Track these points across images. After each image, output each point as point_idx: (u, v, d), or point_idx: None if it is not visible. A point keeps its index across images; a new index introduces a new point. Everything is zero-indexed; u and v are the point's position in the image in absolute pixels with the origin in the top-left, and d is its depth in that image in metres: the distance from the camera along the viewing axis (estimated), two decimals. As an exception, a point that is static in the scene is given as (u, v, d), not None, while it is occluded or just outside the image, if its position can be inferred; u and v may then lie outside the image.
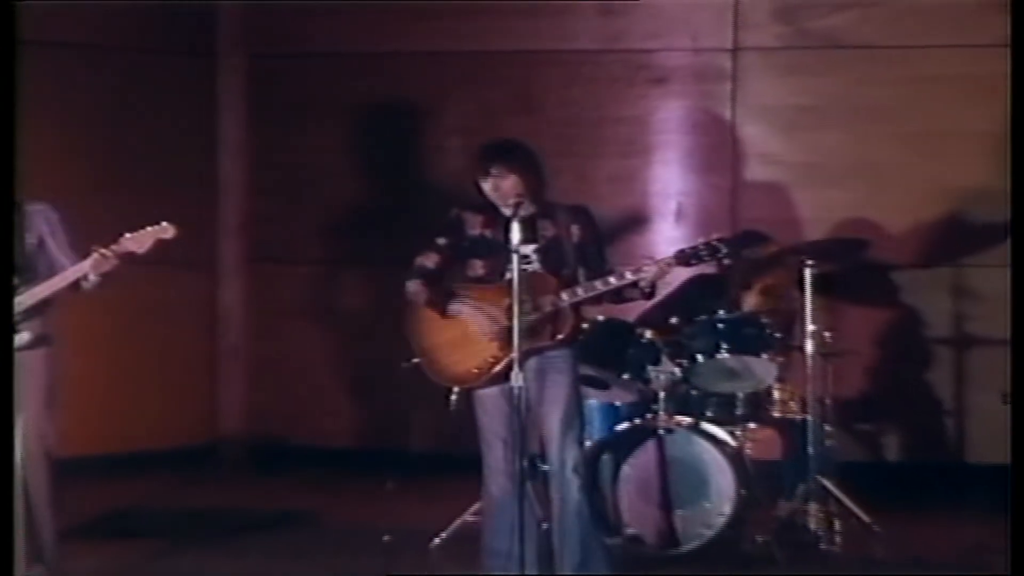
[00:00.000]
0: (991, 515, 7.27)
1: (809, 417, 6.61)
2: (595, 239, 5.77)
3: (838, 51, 8.20)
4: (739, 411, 6.75)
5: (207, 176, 8.67)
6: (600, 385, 6.58)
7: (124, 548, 6.57)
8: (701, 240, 5.68)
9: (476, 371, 5.65)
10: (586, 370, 6.14)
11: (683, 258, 5.62)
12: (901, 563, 6.27)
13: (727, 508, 6.24)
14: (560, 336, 5.64)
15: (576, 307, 5.67)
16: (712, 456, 6.30)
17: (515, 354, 5.39)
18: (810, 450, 6.57)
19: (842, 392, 7.18)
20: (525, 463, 5.53)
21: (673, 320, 6.61)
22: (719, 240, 5.64)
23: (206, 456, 8.57)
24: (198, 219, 8.32)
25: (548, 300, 5.60)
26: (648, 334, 6.52)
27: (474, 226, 5.71)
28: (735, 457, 6.37)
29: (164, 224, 5.73)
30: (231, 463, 8.65)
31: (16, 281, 5.73)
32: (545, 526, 5.75)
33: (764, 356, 6.58)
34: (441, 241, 5.73)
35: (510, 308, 5.44)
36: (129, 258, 5.71)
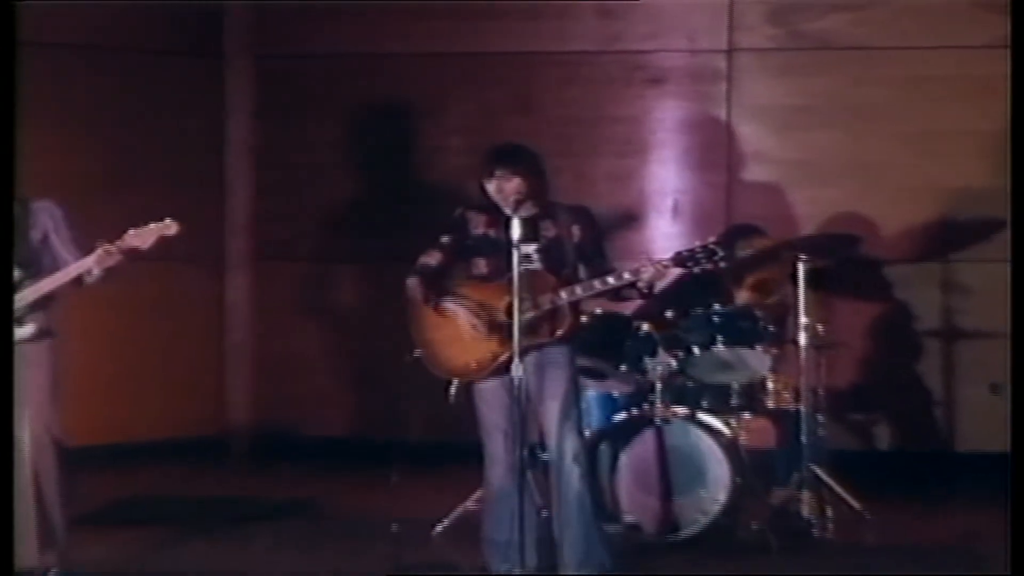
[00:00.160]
0: (980, 502, 7.31)
1: (802, 407, 6.62)
2: (595, 239, 5.78)
3: (830, 52, 8.22)
4: (734, 401, 6.75)
5: (214, 175, 8.67)
6: (598, 376, 6.59)
7: (134, 536, 6.56)
8: (698, 243, 5.69)
9: (476, 365, 5.66)
10: (584, 362, 6.14)
11: (680, 260, 5.62)
12: (892, 549, 6.27)
13: (723, 496, 6.25)
14: (558, 334, 5.65)
15: (575, 305, 5.68)
16: (708, 445, 6.31)
17: (515, 350, 5.40)
18: (803, 439, 6.58)
19: (834, 383, 7.20)
20: (525, 453, 5.54)
21: (669, 313, 6.61)
22: (715, 243, 5.65)
23: (214, 447, 8.57)
24: (205, 217, 8.36)
25: (547, 299, 5.61)
26: (645, 327, 6.53)
27: (478, 225, 5.72)
28: (730, 446, 6.37)
29: (167, 221, 5.73)
30: (238, 453, 8.66)
31: (21, 275, 5.75)
32: (545, 514, 5.76)
33: (758, 348, 6.58)
34: (445, 240, 5.74)
35: (511, 305, 5.46)
36: (133, 254, 5.71)
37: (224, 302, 8.75)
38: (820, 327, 6.75)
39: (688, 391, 6.66)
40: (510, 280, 5.44)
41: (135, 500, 7.35)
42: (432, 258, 5.74)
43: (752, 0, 8.29)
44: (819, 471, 6.58)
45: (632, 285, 5.66)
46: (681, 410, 6.43)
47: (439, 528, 6.42)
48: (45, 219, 5.82)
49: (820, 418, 6.77)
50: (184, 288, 8.45)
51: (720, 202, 8.31)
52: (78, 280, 5.76)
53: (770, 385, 6.81)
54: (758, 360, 6.63)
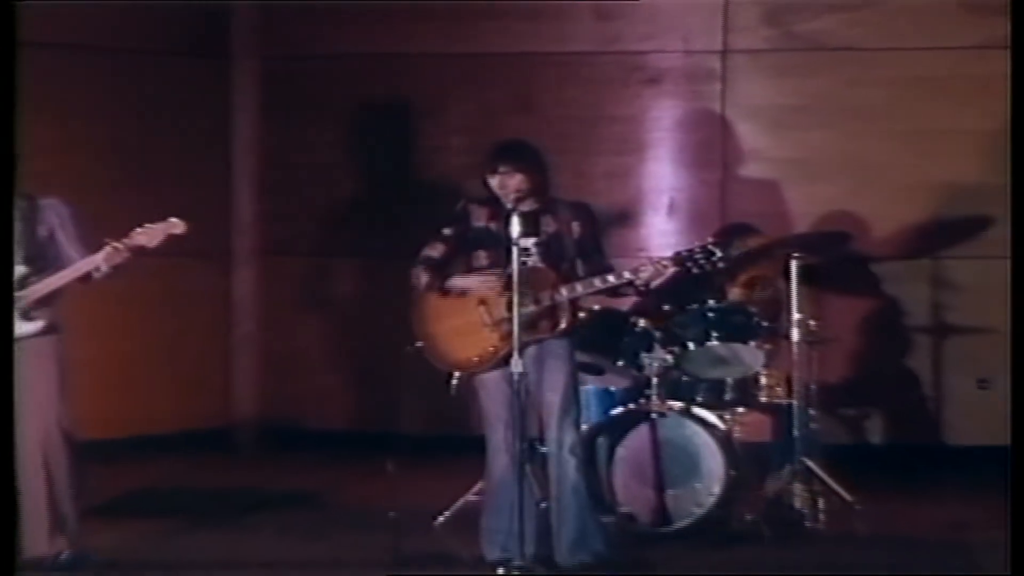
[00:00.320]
0: (968, 494, 7.33)
1: (795, 401, 6.63)
2: (594, 235, 5.80)
3: (823, 53, 8.21)
4: (728, 396, 6.77)
5: (221, 173, 8.67)
6: (596, 371, 6.60)
7: (143, 526, 6.58)
8: (697, 244, 5.70)
9: (477, 359, 5.68)
10: (583, 357, 6.14)
11: (679, 261, 5.64)
12: (882, 539, 6.28)
13: (717, 488, 6.26)
14: (557, 329, 5.66)
15: (573, 301, 5.69)
16: (702, 439, 6.32)
17: (515, 344, 5.42)
18: (796, 433, 6.59)
19: (826, 378, 7.20)
20: (525, 445, 5.57)
21: (665, 309, 6.62)
22: (714, 244, 5.66)
23: (220, 439, 8.57)
24: (212, 213, 8.37)
25: (547, 294, 5.63)
26: (642, 323, 6.53)
27: (480, 218, 5.73)
28: (724, 439, 6.38)
29: (174, 220, 5.76)
30: (244, 446, 8.66)
31: (27, 272, 5.77)
32: (544, 505, 5.76)
33: (752, 343, 6.59)
34: (447, 232, 5.76)
35: (511, 299, 5.48)
36: (140, 252, 5.74)
37: (231, 297, 8.75)
38: (812, 323, 6.75)
39: (683, 385, 6.66)
40: (511, 274, 5.46)
41: (145, 491, 7.37)
42: (435, 249, 5.75)
43: (747, 2, 8.29)
44: (811, 464, 6.58)
45: (630, 283, 5.68)
46: (676, 404, 6.44)
47: (441, 519, 6.43)
48: (52, 216, 5.84)
49: (812, 412, 6.76)
50: (191, 284, 8.45)
51: (715, 199, 8.31)
52: (86, 277, 5.79)
53: (763, 380, 6.83)
54: (752, 355, 6.64)
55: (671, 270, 5.69)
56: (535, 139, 5.94)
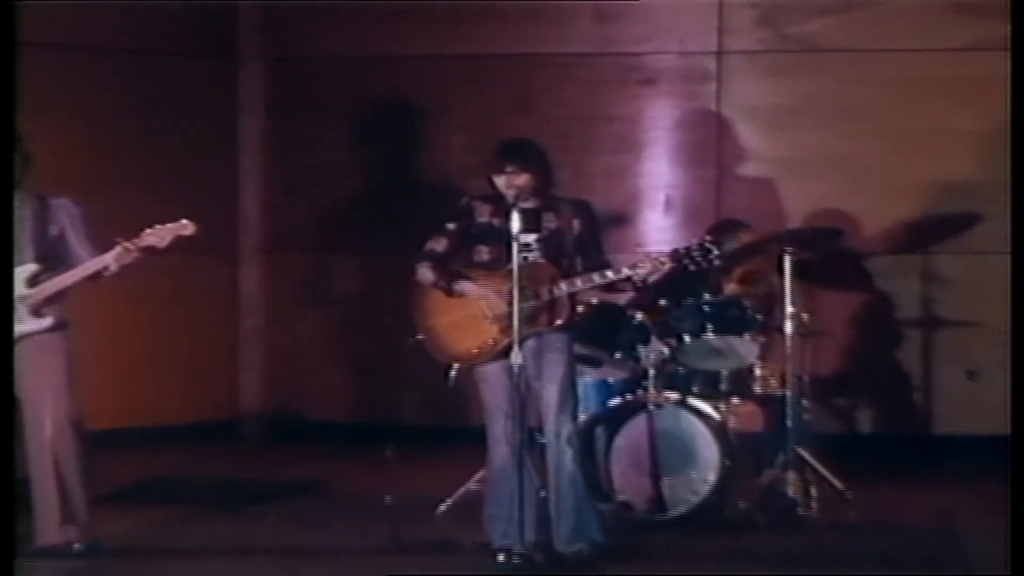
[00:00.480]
0: (955, 482, 7.35)
1: (788, 392, 6.63)
2: (594, 232, 5.80)
3: (816, 54, 8.22)
4: (723, 387, 6.77)
5: (228, 171, 8.68)
6: (594, 363, 6.58)
7: (152, 514, 6.59)
8: (695, 241, 5.70)
9: (477, 351, 5.68)
10: (581, 349, 6.13)
11: (677, 258, 5.63)
12: (872, 526, 6.29)
13: (712, 476, 6.27)
14: (556, 323, 5.67)
15: (572, 296, 5.69)
16: (698, 429, 6.33)
17: (514, 337, 5.44)
18: (789, 423, 6.59)
19: (819, 369, 7.22)
20: (524, 436, 5.57)
21: (662, 303, 6.63)
22: (711, 242, 5.67)
23: (227, 430, 8.58)
24: (219, 212, 8.39)
25: (546, 289, 5.63)
26: (639, 316, 6.52)
27: (482, 214, 5.73)
28: (719, 429, 6.39)
29: (184, 221, 5.77)
30: (250, 437, 8.67)
31: (38, 269, 5.79)
32: (543, 494, 5.75)
33: (746, 336, 6.60)
34: (451, 227, 5.75)
35: (511, 293, 5.49)
36: (150, 252, 5.77)
37: (237, 293, 8.75)
38: (805, 316, 6.75)
39: (679, 377, 6.67)
40: (511, 269, 5.47)
41: (154, 481, 7.36)
42: (439, 244, 5.75)
43: (741, 4, 8.30)
44: (804, 453, 6.59)
45: (628, 279, 5.69)
46: (673, 395, 6.44)
47: (442, 507, 6.44)
48: (62, 216, 5.85)
49: (805, 403, 6.77)
50: (199, 280, 8.45)
51: (710, 197, 8.32)
52: (95, 275, 5.80)
53: (758, 371, 6.83)
54: (746, 348, 6.65)
55: (668, 267, 5.69)
56: (535, 137, 5.94)
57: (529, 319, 5.58)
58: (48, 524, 5.77)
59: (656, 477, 6.31)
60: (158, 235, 5.74)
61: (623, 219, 8.30)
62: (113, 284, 5.90)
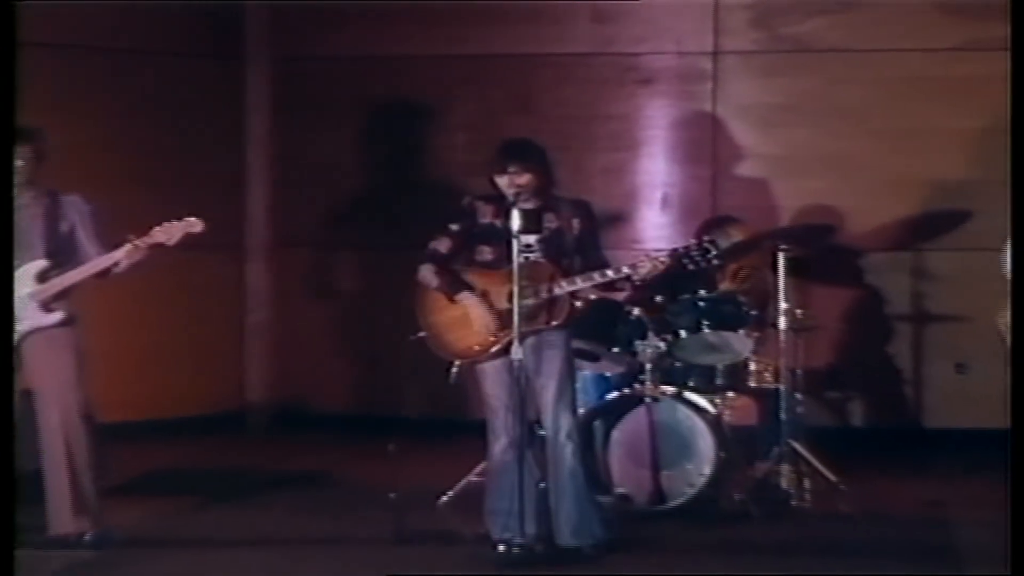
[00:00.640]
0: (945, 473, 7.36)
1: (782, 386, 6.62)
2: (593, 232, 5.79)
3: (809, 55, 8.23)
4: (718, 381, 6.77)
5: (235, 169, 8.69)
6: (592, 358, 6.60)
7: (161, 504, 6.61)
8: (693, 241, 5.69)
9: (477, 348, 5.68)
10: (579, 344, 6.14)
11: (676, 258, 5.62)
12: (864, 517, 6.31)
13: (708, 469, 6.29)
14: (556, 322, 5.66)
15: (571, 295, 5.68)
16: (694, 422, 6.34)
17: (514, 335, 5.44)
18: (783, 416, 6.59)
19: (812, 364, 7.21)
20: (524, 430, 5.57)
21: (658, 299, 6.63)
22: (710, 241, 5.66)
23: (234, 422, 8.60)
24: (226, 209, 8.39)
25: (546, 288, 5.62)
26: (636, 312, 6.53)
27: (484, 214, 5.71)
28: (715, 423, 6.40)
29: (193, 219, 5.77)
30: (256, 428, 8.69)
31: (48, 265, 5.80)
32: (543, 487, 5.74)
33: (741, 332, 6.60)
34: (454, 227, 5.73)
35: (511, 292, 5.49)
36: (159, 249, 5.77)
37: (243, 288, 8.77)
38: (799, 312, 6.74)
39: (676, 371, 6.67)
40: (511, 269, 5.47)
41: (163, 472, 7.38)
42: (441, 244, 5.73)
43: (736, 5, 8.30)
44: (797, 445, 6.57)
45: (627, 278, 5.69)
46: (669, 389, 6.45)
47: (444, 499, 6.44)
48: (73, 213, 5.87)
49: (798, 396, 6.75)
50: (207, 275, 8.45)
51: (706, 194, 8.33)
52: (104, 272, 5.81)
53: (752, 366, 6.83)
54: (741, 343, 6.65)
55: (667, 265, 5.66)
56: (534, 136, 5.94)
57: (529, 317, 5.57)
58: (60, 514, 5.78)
59: (653, 469, 6.31)
60: (167, 232, 5.75)
61: (621, 216, 8.30)
62: (123, 280, 5.91)
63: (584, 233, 5.74)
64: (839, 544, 5.95)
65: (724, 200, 8.20)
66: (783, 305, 6.66)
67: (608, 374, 6.71)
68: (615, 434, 6.38)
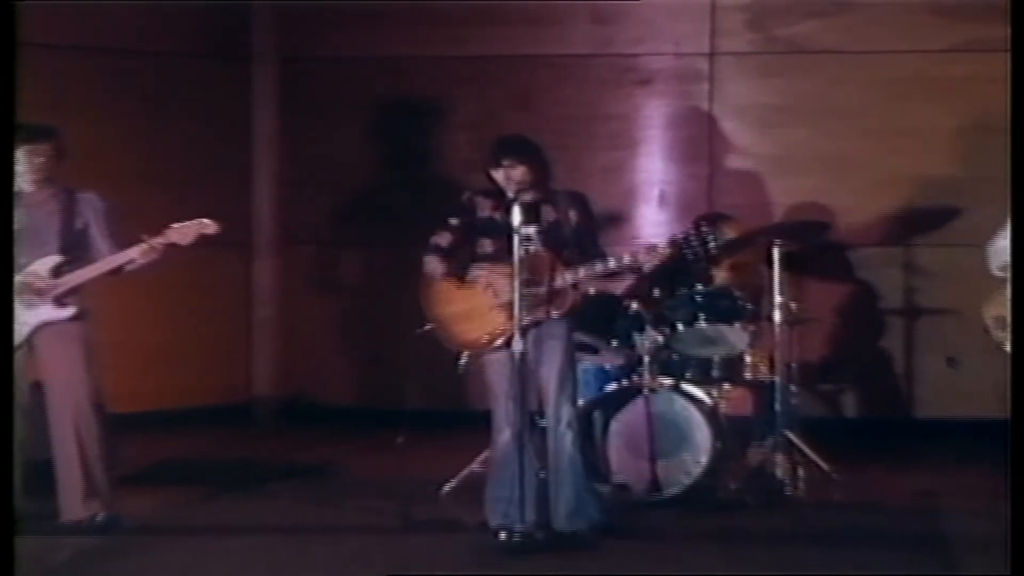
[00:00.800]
0: (936, 463, 7.37)
1: (777, 378, 6.62)
2: (589, 223, 5.79)
3: (804, 56, 8.23)
4: (715, 373, 6.78)
5: (243, 167, 8.69)
6: (592, 350, 6.60)
7: (171, 494, 6.61)
8: (691, 229, 5.67)
9: (488, 339, 5.68)
10: (580, 337, 6.15)
11: (675, 246, 5.62)
12: (857, 506, 6.31)
13: (704, 459, 6.29)
14: (558, 312, 5.66)
15: (575, 285, 5.69)
16: (691, 413, 6.34)
17: (518, 325, 5.45)
18: (777, 407, 6.59)
19: (806, 356, 7.22)
20: (525, 419, 5.58)
21: (656, 293, 6.65)
22: (706, 227, 5.66)
23: (241, 414, 8.59)
24: (234, 206, 8.38)
25: (548, 278, 5.63)
26: (634, 305, 6.53)
27: (484, 209, 5.72)
28: (711, 414, 6.40)
29: (207, 221, 5.79)
30: (263, 420, 8.67)
31: (62, 261, 5.82)
32: (543, 475, 5.75)
33: (737, 325, 6.61)
34: (454, 221, 5.74)
35: (513, 283, 5.49)
36: (173, 248, 5.79)
37: (251, 284, 8.76)
38: (793, 305, 6.74)
39: (673, 364, 6.68)
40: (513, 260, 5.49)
41: (172, 462, 7.38)
42: (442, 238, 5.74)
43: (733, 7, 8.30)
44: (792, 436, 6.58)
45: (628, 267, 5.69)
46: (667, 381, 6.45)
47: (447, 488, 6.45)
48: (88, 210, 5.89)
49: (793, 388, 6.76)
50: (215, 272, 8.44)
51: (703, 192, 8.33)
52: (117, 269, 5.83)
53: (748, 358, 6.83)
54: (737, 336, 6.66)
55: (667, 253, 5.65)
56: (535, 135, 5.96)
57: (532, 308, 5.58)
58: (72, 500, 5.81)
59: (651, 459, 6.31)
60: (181, 232, 5.77)
61: (619, 213, 8.31)
62: (134, 277, 5.94)
63: (581, 225, 5.74)
64: (832, 532, 5.95)
65: (720, 198, 8.21)
66: (778, 299, 6.66)
67: (607, 366, 6.69)
68: (614, 425, 6.38)
